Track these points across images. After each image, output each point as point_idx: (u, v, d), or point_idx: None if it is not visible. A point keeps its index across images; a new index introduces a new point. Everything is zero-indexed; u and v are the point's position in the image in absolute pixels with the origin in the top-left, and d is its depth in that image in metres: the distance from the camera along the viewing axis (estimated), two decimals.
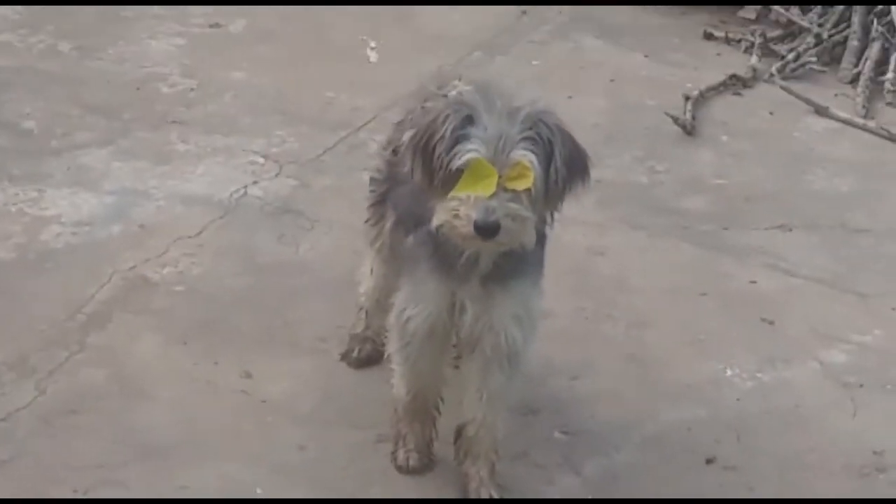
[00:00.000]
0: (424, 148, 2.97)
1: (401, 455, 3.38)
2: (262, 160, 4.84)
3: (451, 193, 2.92)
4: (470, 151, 2.90)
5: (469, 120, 2.94)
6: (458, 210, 2.90)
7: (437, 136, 2.95)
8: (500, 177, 2.89)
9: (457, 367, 3.38)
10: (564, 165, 2.96)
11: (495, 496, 3.31)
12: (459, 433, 3.31)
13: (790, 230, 4.63)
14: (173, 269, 4.16)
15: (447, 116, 2.96)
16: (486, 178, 2.90)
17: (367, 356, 3.72)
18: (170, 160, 4.76)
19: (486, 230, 2.88)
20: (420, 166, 2.98)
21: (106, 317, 3.90)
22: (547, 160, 2.95)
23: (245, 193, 4.61)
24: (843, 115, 5.31)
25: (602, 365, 3.88)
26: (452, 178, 2.93)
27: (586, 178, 3.04)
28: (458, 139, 2.93)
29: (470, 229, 2.89)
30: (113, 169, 4.66)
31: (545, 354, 3.76)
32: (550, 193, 2.98)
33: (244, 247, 4.30)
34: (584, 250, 4.39)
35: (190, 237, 4.33)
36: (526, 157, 2.91)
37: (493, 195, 2.88)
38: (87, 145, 4.79)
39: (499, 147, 2.90)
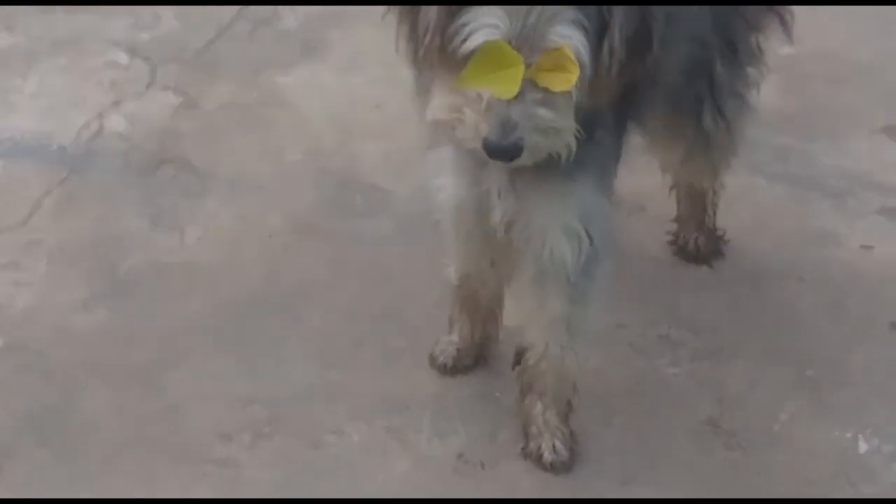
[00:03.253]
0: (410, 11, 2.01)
1: (437, 346, 2.62)
2: (125, 58, 3.28)
3: (455, 83, 1.99)
4: (484, 28, 1.97)
5: None
6: (463, 113, 2.01)
7: None
8: (527, 67, 1.97)
9: None
10: (624, 43, 2.00)
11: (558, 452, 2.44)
12: (519, 359, 2.46)
13: None
14: None
15: None
16: (505, 69, 1.97)
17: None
18: None
19: (502, 152, 2.01)
20: (406, 35, 2.02)
21: None
22: (599, 37, 2.00)
23: (100, 129, 3.08)
24: None
25: (669, 448, 2.49)
26: (455, 61, 2.00)
27: (648, 56, 2.05)
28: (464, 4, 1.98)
29: (477, 145, 2.01)
30: None
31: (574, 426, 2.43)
32: (601, 81, 2.02)
33: (99, 241, 2.80)
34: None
35: (13, 227, 2.82)
36: (569, 41, 1.96)
37: (517, 97, 1.97)
38: None
39: (528, 21, 1.96)
